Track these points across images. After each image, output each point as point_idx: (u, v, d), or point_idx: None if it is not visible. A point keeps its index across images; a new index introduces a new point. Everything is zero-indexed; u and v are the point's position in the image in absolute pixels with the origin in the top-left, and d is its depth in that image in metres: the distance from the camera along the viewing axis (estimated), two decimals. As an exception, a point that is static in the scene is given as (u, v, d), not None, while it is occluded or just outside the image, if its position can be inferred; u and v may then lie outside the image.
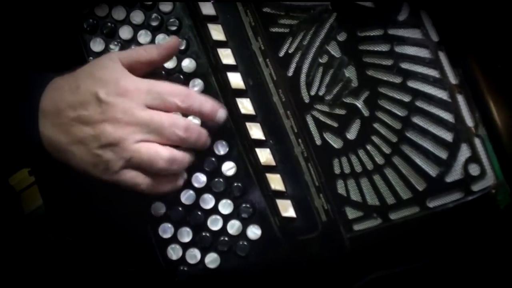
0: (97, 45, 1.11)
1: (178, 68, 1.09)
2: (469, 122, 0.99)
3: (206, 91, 1.09)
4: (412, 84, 1.00)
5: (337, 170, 1.04)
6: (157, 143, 0.98)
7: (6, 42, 1.08)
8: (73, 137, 0.97)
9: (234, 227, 1.08)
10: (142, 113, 0.97)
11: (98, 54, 1.10)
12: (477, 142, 0.99)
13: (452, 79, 0.99)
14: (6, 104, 1.01)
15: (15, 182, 1.84)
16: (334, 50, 1.02)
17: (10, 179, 1.69)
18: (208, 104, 1.02)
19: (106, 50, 1.10)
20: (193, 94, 1.03)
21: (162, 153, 0.98)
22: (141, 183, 0.99)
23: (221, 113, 1.04)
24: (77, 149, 0.98)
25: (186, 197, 1.09)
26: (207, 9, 1.08)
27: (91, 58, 1.10)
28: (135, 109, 0.97)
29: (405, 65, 1.00)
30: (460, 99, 0.99)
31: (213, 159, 1.09)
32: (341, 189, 1.04)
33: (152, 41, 1.10)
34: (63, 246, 1.28)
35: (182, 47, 1.09)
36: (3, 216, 1.47)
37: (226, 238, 1.08)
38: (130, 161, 0.97)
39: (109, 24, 1.11)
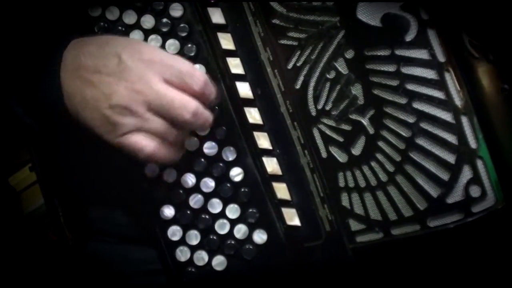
0: (108, 49, 1.11)
1: (188, 74, 1.10)
2: (473, 143, 1.00)
3: (215, 97, 1.10)
4: (417, 105, 1.01)
5: (341, 183, 1.06)
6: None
7: (16, 44, 1.09)
8: (89, 94, 0.99)
9: (240, 231, 1.12)
10: (158, 85, 0.98)
11: (109, 58, 1.11)
12: (479, 163, 1.01)
13: (457, 101, 1.00)
14: (29, 57, 1.04)
15: (15, 182, 1.85)
16: (341, 66, 1.03)
17: (10, 179, 1.70)
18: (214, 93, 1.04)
19: (117, 54, 1.11)
20: (209, 83, 1.03)
21: (171, 133, 1.00)
22: (145, 147, 0.99)
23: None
24: (89, 106, 0.99)
25: (195, 201, 1.12)
26: (217, 17, 1.08)
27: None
28: (152, 79, 0.98)
29: (410, 86, 1.00)
30: (464, 120, 1.00)
31: (222, 164, 1.11)
32: (345, 202, 1.07)
33: (163, 46, 1.11)
34: (63, 246, 1.31)
35: (192, 53, 1.10)
36: (3, 216, 1.49)
37: (233, 242, 1.12)
38: (137, 128, 0.98)
39: (120, 28, 1.11)
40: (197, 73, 1.01)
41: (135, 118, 0.98)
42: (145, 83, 0.97)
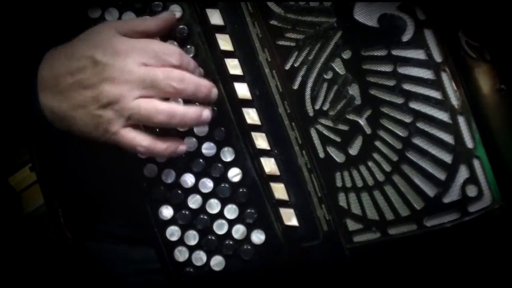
0: (107, 50, 1.12)
1: (187, 75, 1.10)
2: (469, 143, 1.00)
3: (214, 98, 1.10)
4: (413, 105, 1.01)
5: (339, 183, 1.07)
6: (156, 99, 1.00)
7: (10, 44, 1.10)
8: (74, 101, 0.99)
9: (239, 231, 1.12)
10: (137, 69, 0.99)
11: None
12: (476, 163, 1.01)
13: (454, 100, 1.00)
14: (4, 79, 1.04)
15: (15, 182, 1.85)
16: (338, 67, 1.04)
17: (10, 179, 1.69)
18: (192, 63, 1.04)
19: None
20: (185, 54, 1.04)
21: (160, 107, 0.99)
22: (140, 144, 1.01)
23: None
24: (78, 113, 1.00)
25: (193, 201, 1.12)
26: (215, 19, 1.08)
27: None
28: (131, 66, 0.98)
29: (407, 86, 1.01)
30: (461, 120, 1.01)
31: (220, 165, 1.11)
32: (342, 202, 1.07)
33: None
34: (63, 246, 1.31)
35: (191, 55, 1.10)
36: (3, 216, 1.49)
37: (231, 242, 1.12)
38: (130, 118, 0.99)
39: (119, 29, 1.11)
40: (171, 48, 1.02)
41: (125, 110, 0.98)
42: (126, 73, 0.98)
